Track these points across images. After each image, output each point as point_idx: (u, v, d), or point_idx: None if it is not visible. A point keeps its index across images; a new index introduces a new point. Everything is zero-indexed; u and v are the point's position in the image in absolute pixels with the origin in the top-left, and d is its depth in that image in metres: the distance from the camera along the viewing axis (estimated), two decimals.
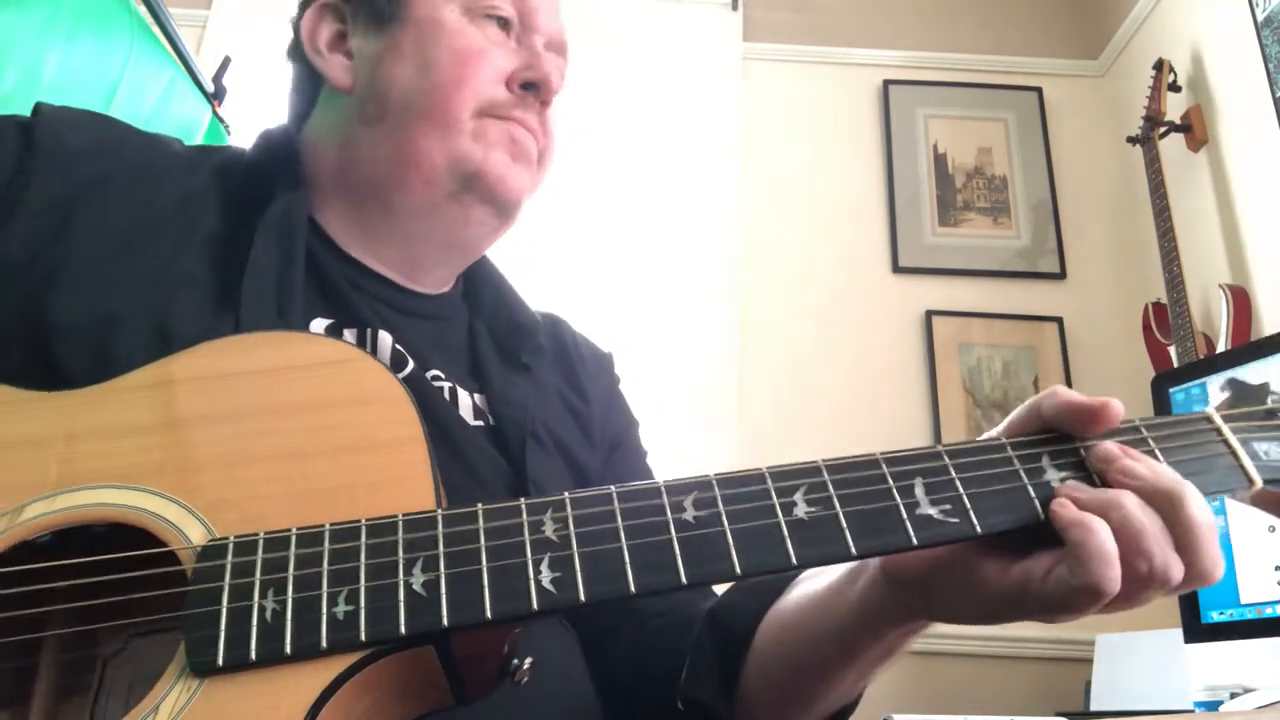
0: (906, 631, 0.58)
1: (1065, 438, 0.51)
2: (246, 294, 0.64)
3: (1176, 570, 0.46)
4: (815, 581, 0.64)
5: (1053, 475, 0.50)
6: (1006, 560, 0.49)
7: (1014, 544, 0.49)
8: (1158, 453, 0.51)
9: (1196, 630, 1.23)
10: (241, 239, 0.67)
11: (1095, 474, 0.50)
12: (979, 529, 0.48)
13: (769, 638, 0.66)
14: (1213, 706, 1.48)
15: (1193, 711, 1.54)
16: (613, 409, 0.89)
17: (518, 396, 0.77)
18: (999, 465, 0.50)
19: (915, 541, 0.47)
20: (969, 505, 0.48)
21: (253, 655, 0.43)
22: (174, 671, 0.43)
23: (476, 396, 0.75)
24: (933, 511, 0.48)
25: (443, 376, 0.74)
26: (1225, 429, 0.53)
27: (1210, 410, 0.55)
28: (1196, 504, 0.47)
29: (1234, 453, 0.52)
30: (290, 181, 0.73)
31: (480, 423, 0.74)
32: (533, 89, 0.76)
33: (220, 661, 0.42)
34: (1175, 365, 2.25)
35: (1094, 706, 2.01)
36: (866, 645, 0.59)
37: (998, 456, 0.50)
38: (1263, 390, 0.57)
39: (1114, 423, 0.51)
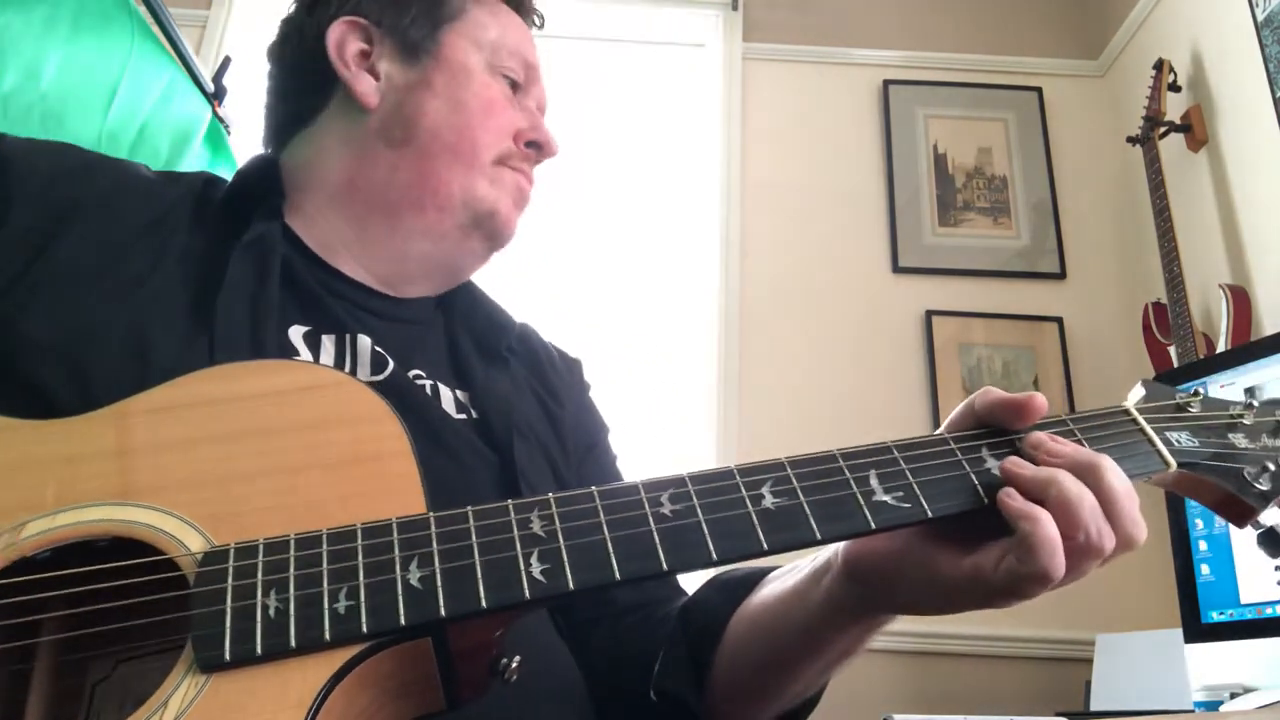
0: (868, 627, 0.62)
1: (1002, 431, 0.57)
2: (221, 309, 0.66)
3: (1109, 539, 0.51)
4: (782, 581, 0.67)
5: (991, 463, 0.55)
6: (958, 553, 0.53)
7: (965, 537, 0.53)
8: (1084, 442, 0.57)
9: (1196, 630, 1.23)
10: (216, 259, 0.69)
11: (1028, 459, 0.55)
12: (929, 512, 0.52)
13: (738, 633, 0.69)
14: (1213, 706, 1.48)
15: (1193, 711, 1.54)
16: (584, 414, 0.91)
17: (501, 390, 0.79)
18: (944, 456, 0.55)
19: (873, 525, 0.52)
20: (919, 492, 0.53)
21: (259, 650, 0.44)
22: (181, 670, 0.44)
23: (459, 393, 0.78)
24: (887, 498, 0.53)
25: (424, 375, 0.76)
26: (1141, 420, 0.60)
27: (1128, 404, 0.62)
28: (1114, 472, 0.53)
29: (1150, 440, 0.58)
30: (269, 210, 0.76)
31: (463, 416, 0.76)
32: (534, 147, 0.84)
33: (227, 657, 0.44)
34: (1175, 365, 2.26)
35: (1094, 706, 2.01)
36: (831, 640, 0.63)
37: (942, 449, 0.56)
38: (1172, 390, 0.65)
39: (1040, 413, 0.56)
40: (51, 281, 0.64)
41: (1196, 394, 0.64)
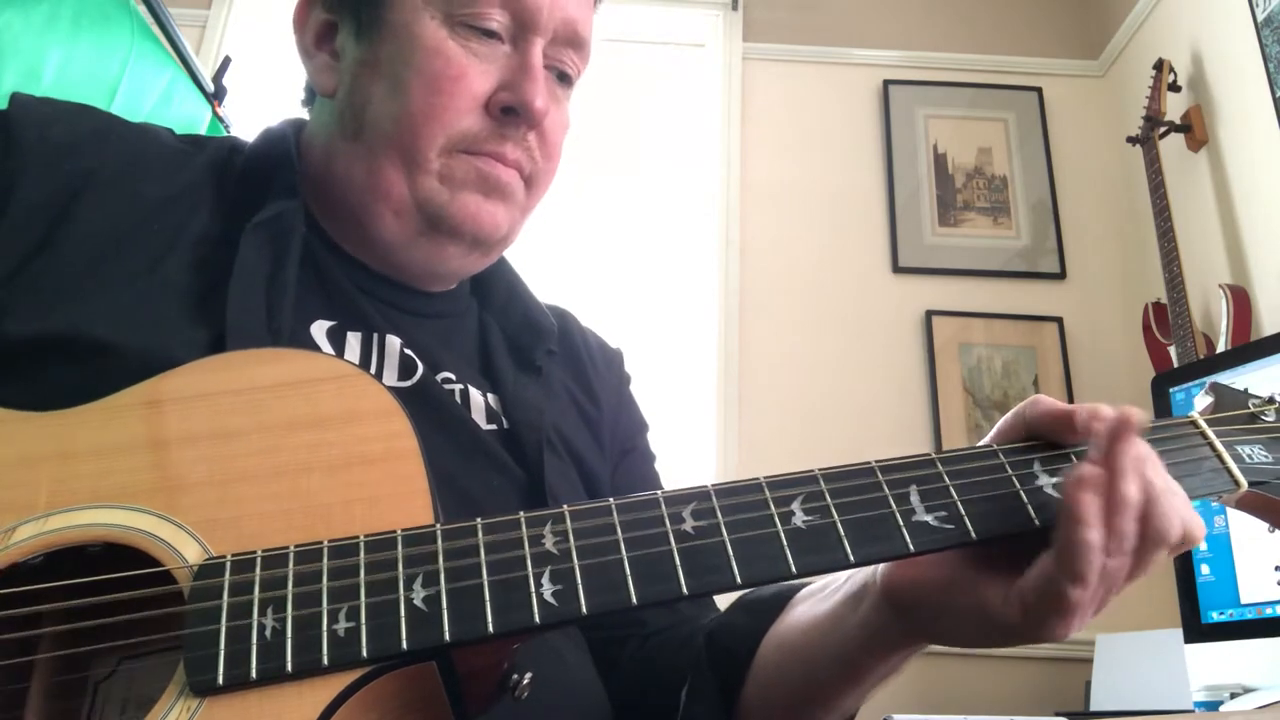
0: (910, 653, 0.58)
1: (1055, 444, 0.52)
2: (232, 299, 0.61)
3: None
4: (815, 604, 0.63)
5: (1044, 480, 0.50)
6: (1010, 583, 0.49)
7: (1016, 562, 0.49)
8: None
9: (1196, 630, 1.23)
10: (231, 241, 0.64)
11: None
12: (974, 535, 0.48)
13: (769, 659, 0.65)
14: (1213, 706, 1.48)
15: (1193, 711, 1.53)
16: (623, 412, 0.86)
17: (531, 400, 0.74)
18: (992, 472, 0.51)
19: (912, 548, 0.48)
20: (964, 512, 0.49)
21: (253, 674, 0.42)
22: (173, 691, 0.42)
23: (489, 397, 0.73)
24: (929, 519, 0.49)
25: (454, 379, 0.72)
26: (1210, 433, 0.54)
27: (1195, 415, 0.56)
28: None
29: (1219, 456, 0.53)
30: (284, 187, 0.69)
31: (493, 426, 0.71)
32: (512, 114, 0.68)
33: (220, 680, 0.42)
34: (1175, 365, 2.25)
35: (1094, 706, 2.01)
36: (869, 669, 0.59)
37: (990, 464, 0.51)
38: (1244, 395, 0.58)
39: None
40: (57, 272, 0.59)
41: (1271, 401, 0.57)
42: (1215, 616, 1.21)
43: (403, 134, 0.67)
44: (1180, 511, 0.48)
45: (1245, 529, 1.18)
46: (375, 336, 0.69)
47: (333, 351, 0.66)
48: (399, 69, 0.68)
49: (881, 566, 0.55)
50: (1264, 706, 1.27)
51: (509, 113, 0.68)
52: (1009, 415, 0.54)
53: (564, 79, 0.74)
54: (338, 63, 0.72)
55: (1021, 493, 0.50)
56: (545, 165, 0.73)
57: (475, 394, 0.72)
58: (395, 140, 0.68)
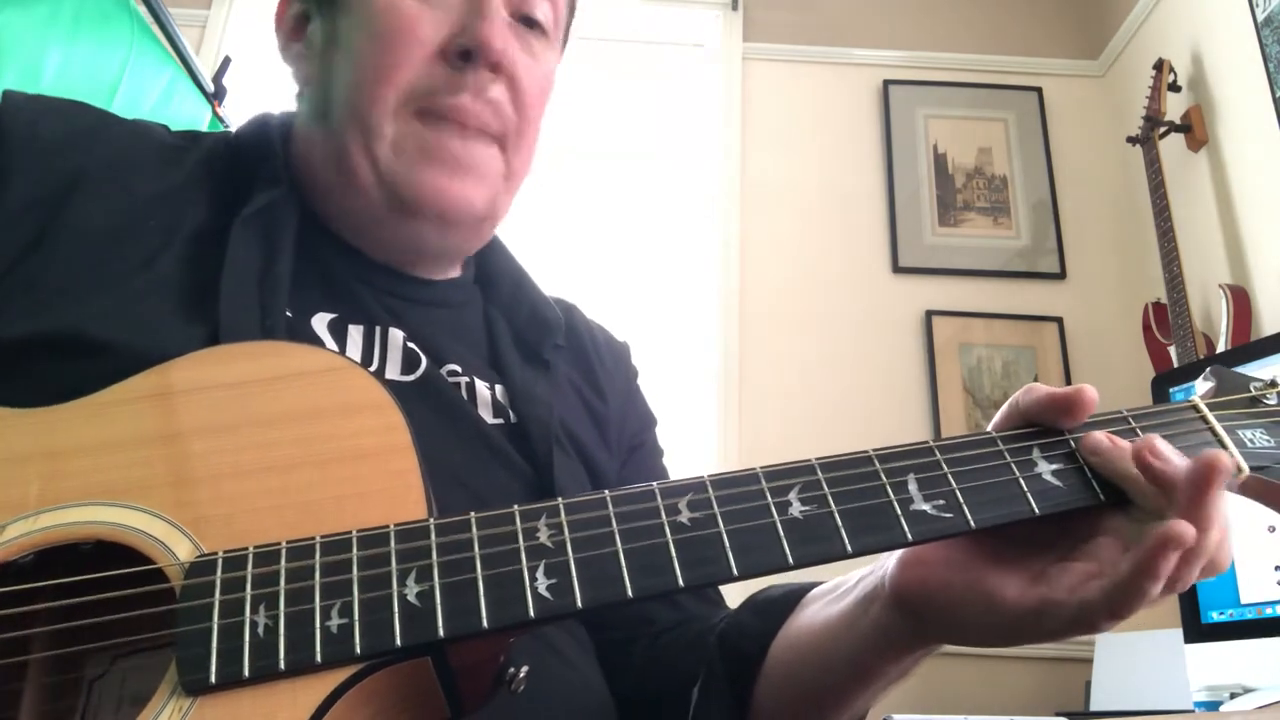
0: (925, 653, 0.57)
1: (1054, 430, 0.52)
2: (225, 294, 0.60)
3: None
4: (825, 605, 0.62)
5: (1044, 468, 0.50)
6: (1024, 579, 0.49)
7: (1023, 557, 0.49)
8: None
9: (1196, 630, 1.23)
10: (222, 235, 0.63)
11: (1086, 464, 0.50)
12: (973, 524, 0.48)
13: (780, 661, 0.64)
14: (1213, 706, 1.48)
15: (1193, 711, 1.53)
16: (630, 408, 0.85)
17: (540, 394, 0.73)
18: (990, 459, 0.50)
19: (910, 538, 0.47)
20: (962, 500, 0.48)
21: (246, 672, 0.42)
22: (165, 691, 0.42)
23: (497, 389, 0.72)
24: (926, 507, 0.48)
25: (459, 370, 0.71)
26: (1211, 417, 0.53)
27: (1196, 399, 0.55)
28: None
29: (1220, 441, 0.52)
30: (268, 176, 0.68)
31: (500, 420, 0.70)
32: (468, 59, 0.65)
33: (213, 679, 0.42)
34: (1175, 365, 2.26)
35: (1094, 706, 2.01)
36: (882, 671, 0.58)
37: (989, 451, 0.51)
38: (1245, 378, 0.57)
39: (1090, 407, 0.51)
40: (51, 274, 0.59)
41: (1273, 384, 0.56)
42: (1215, 616, 1.21)
43: (359, 102, 0.65)
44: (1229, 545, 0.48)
45: (1245, 529, 1.17)
46: (378, 330, 0.68)
47: (334, 344, 0.65)
48: (355, 36, 0.66)
49: (891, 569, 0.54)
50: (1264, 706, 1.27)
51: (467, 58, 0.65)
52: (1004, 406, 0.54)
53: (532, 24, 0.71)
54: (309, 51, 0.72)
55: (1020, 480, 0.49)
56: (521, 122, 0.70)
57: (481, 386, 0.71)
58: (354, 110, 0.66)
